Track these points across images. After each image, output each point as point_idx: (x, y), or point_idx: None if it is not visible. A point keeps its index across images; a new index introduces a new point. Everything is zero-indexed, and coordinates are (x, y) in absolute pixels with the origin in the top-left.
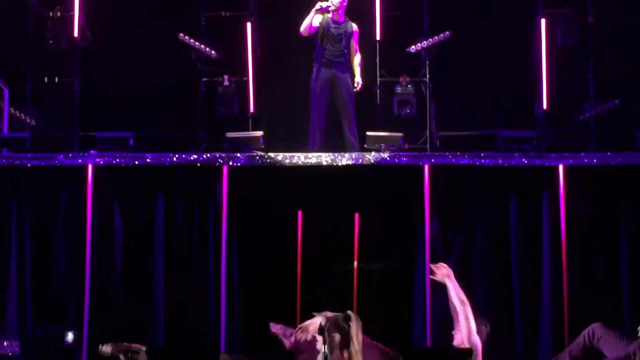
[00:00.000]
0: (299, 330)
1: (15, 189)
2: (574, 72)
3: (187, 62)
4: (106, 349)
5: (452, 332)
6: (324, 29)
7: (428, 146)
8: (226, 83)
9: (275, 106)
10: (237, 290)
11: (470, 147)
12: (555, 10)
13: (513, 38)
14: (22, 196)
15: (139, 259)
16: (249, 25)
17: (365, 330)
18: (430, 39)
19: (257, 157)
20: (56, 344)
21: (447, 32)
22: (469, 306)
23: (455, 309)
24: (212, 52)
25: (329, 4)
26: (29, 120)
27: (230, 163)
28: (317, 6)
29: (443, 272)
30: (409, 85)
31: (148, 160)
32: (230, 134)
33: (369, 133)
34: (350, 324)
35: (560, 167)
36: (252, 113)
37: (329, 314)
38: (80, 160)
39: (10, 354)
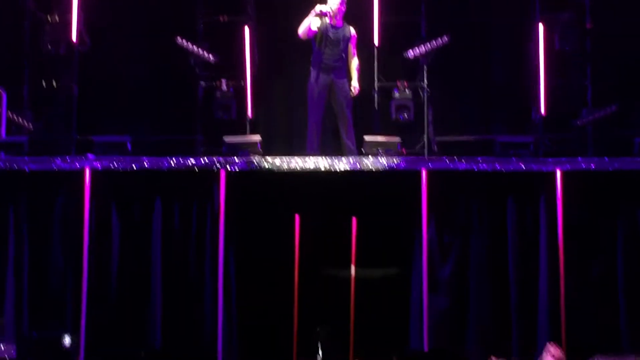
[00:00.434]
0: None
1: (12, 193)
2: (572, 77)
3: (185, 67)
4: None
5: None
6: (322, 33)
7: (426, 151)
8: (224, 87)
9: (273, 111)
10: (234, 294)
11: (468, 152)
12: (553, 15)
13: (510, 43)
14: (20, 200)
15: (136, 262)
16: (247, 29)
17: (359, 336)
18: (428, 44)
19: (255, 162)
20: (53, 347)
21: (445, 37)
22: None
23: None
24: (210, 56)
25: (327, 8)
26: (26, 124)
27: (228, 167)
28: (317, 9)
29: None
30: (407, 90)
31: (145, 164)
32: (228, 139)
33: (366, 138)
34: None
35: (558, 172)
36: (249, 117)
37: None
38: (77, 164)
39: (7, 357)
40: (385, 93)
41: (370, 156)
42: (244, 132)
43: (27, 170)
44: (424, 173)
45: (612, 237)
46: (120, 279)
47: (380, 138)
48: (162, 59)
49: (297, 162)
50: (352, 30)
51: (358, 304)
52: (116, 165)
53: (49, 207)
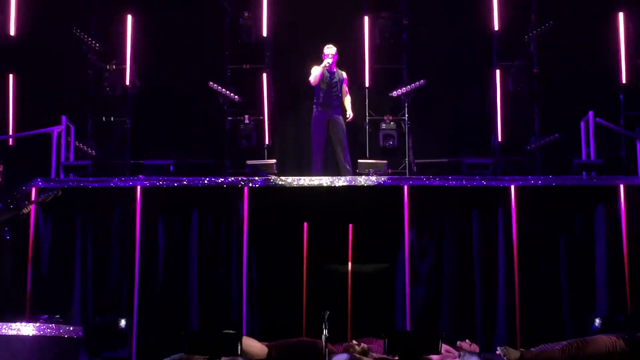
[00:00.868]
0: None
1: (79, 206)
2: (523, 112)
3: (216, 105)
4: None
5: None
6: (322, 79)
7: (407, 171)
8: (246, 121)
9: (285, 140)
10: (255, 285)
11: (440, 172)
12: (507, 62)
13: (474, 85)
14: (84, 211)
15: (177, 261)
16: (264, 76)
17: (356, 319)
18: (408, 86)
19: (271, 180)
20: (111, 329)
21: (422, 81)
22: None
23: None
24: (236, 97)
25: (329, 60)
26: (90, 151)
27: (250, 185)
28: (325, 64)
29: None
30: (392, 123)
31: (184, 182)
32: (250, 162)
33: (360, 160)
34: None
35: (512, 188)
36: (267, 145)
37: None
38: (130, 183)
39: (75, 337)
40: (375, 125)
41: (363, 175)
42: (262, 157)
43: (90, 187)
44: (405, 188)
45: (556, 240)
46: (164, 274)
47: (371, 161)
48: (198, 99)
49: (305, 180)
50: (344, 74)
51: (354, 293)
52: (161, 183)
53: (108, 217)
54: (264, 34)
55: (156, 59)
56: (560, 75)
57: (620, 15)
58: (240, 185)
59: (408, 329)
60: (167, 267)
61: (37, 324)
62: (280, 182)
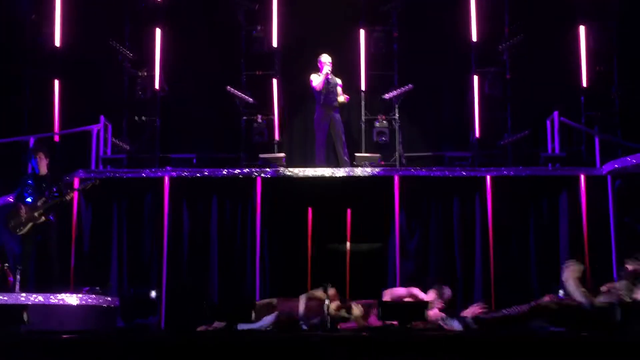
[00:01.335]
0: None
1: (115, 193)
2: (497, 112)
3: (233, 106)
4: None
5: None
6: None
7: (397, 163)
8: (259, 120)
9: (293, 136)
10: (267, 261)
11: (426, 163)
12: (484, 69)
13: (455, 88)
14: (120, 198)
15: (200, 241)
16: (275, 81)
17: (354, 290)
18: (399, 90)
19: (281, 171)
20: (144, 300)
21: (410, 85)
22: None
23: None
24: (250, 99)
25: (329, 68)
26: (124, 146)
27: (262, 175)
28: (327, 71)
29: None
30: (384, 121)
31: (206, 173)
32: (262, 155)
33: (357, 154)
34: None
35: (488, 177)
36: (277, 141)
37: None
38: (159, 174)
39: (112, 306)
40: (369, 123)
41: (359, 167)
42: (272, 151)
43: (125, 177)
44: (396, 178)
45: (526, 221)
46: (189, 252)
47: (366, 154)
48: (217, 101)
49: (310, 171)
50: (339, 80)
51: (352, 268)
52: (186, 174)
53: (140, 203)
54: (274, 45)
55: (181, 67)
56: (529, 80)
57: (582, 28)
58: (254, 176)
59: None
60: (191, 245)
61: (80, 295)
62: (288, 173)
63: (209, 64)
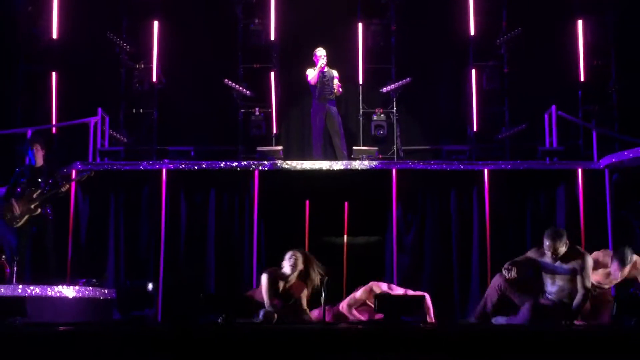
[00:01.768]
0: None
1: (113, 185)
2: (495, 105)
3: (230, 99)
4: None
5: None
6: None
7: (395, 156)
8: (257, 113)
9: (290, 129)
10: (263, 253)
11: (423, 157)
12: (482, 63)
13: (453, 82)
14: (118, 190)
15: (197, 233)
16: (272, 73)
17: (350, 283)
18: (396, 83)
19: (278, 164)
20: (141, 292)
21: (408, 79)
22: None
23: None
24: (248, 92)
25: (323, 61)
26: (122, 138)
27: (260, 168)
28: (321, 64)
29: None
30: (382, 115)
31: (204, 166)
32: (259, 148)
33: (354, 147)
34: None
35: (485, 171)
36: (274, 134)
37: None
38: (157, 166)
39: (109, 298)
40: (367, 117)
41: (357, 160)
42: (270, 144)
43: (122, 170)
44: (393, 171)
45: (522, 214)
46: (186, 244)
47: (364, 147)
48: (215, 93)
49: (307, 164)
50: (335, 72)
51: (349, 261)
52: (183, 167)
53: (137, 196)
54: (272, 37)
55: (179, 59)
56: (527, 74)
57: (580, 22)
58: (251, 168)
59: None
60: (188, 238)
61: (77, 287)
62: (285, 166)
63: (207, 56)
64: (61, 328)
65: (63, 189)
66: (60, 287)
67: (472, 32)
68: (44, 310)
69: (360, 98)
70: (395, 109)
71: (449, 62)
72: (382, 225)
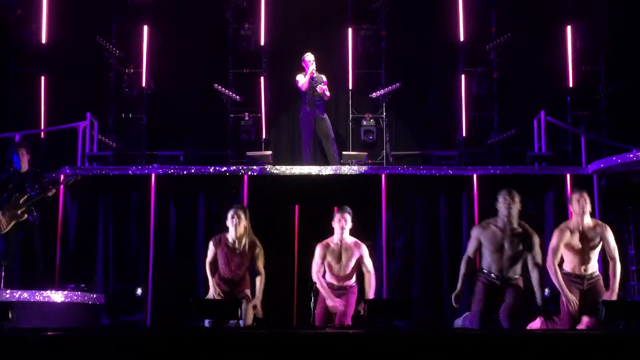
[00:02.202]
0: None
1: (101, 190)
2: (484, 110)
3: (220, 104)
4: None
5: None
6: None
7: (384, 161)
8: (246, 118)
9: (280, 134)
10: None
11: (413, 162)
12: (471, 68)
13: (442, 88)
14: (106, 195)
15: (187, 238)
16: (262, 79)
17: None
18: (386, 89)
19: (268, 169)
20: (130, 296)
21: (398, 84)
22: None
23: None
24: (237, 97)
25: (313, 67)
26: (111, 143)
27: (249, 173)
28: (312, 70)
29: None
30: (371, 120)
31: (193, 170)
32: (249, 153)
33: (344, 152)
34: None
35: (474, 176)
36: (264, 139)
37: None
38: (146, 171)
39: (98, 303)
40: (357, 122)
41: (346, 165)
42: (260, 149)
43: (111, 174)
44: (383, 176)
45: None
46: (175, 249)
47: (353, 152)
48: (204, 98)
49: (296, 169)
50: (324, 77)
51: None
52: (173, 171)
53: (126, 200)
54: (262, 43)
55: (168, 64)
56: (516, 79)
57: (568, 28)
58: (240, 173)
59: (385, 296)
60: (177, 242)
61: (65, 292)
62: (275, 171)
63: (196, 61)
64: (49, 333)
65: (50, 194)
66: (48, 292)
67: (461, 38)
68: (32, 315)
69: (350, 103)
70: (384, 114)
71: (438, 68)
72: (371, 230)
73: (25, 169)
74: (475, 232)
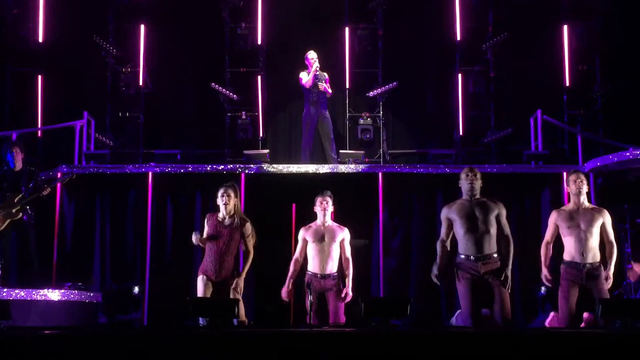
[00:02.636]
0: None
1: (98, 189)
2: (481, 109)
3: (217, 103)
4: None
5: None
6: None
7: (381, 160)
8: (243, 117)
9: (277, 133)
10: None
11: (410, 161)
12: (468, 67)
13: (439, 86)
14: (103, 193)
15: (184, 237)
16: (259, 77)
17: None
18: (383, 87)
19: (264, 167)
20: (127, 295)
21: (395, 83)
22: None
23: None
24: (234, 96)
25: (317, 65)
26: (108, 142)
27: (247, 171)
28: (315, 68)
29: None
30: (368, 119)
31: (190, 169)
32: (246, 152)
33: (341, 151)
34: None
35: None
36: (261, 137)
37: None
38: (143, 169)
39: (95, 301)
40: (354, 121)
41: (343, 164)
42: (257, 147)
43: (108, 173)
44: (380, 175)
45: (508, 217)
46: (172, 247)
47: (350, 151)
48: (201, 97)
49: (293, 168)
50: (326, 75)
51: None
52: (170, 170)
53: (123, 199)
54: (259, 42)
55: (165, 63)
56: (513, 78)
57: (565, 27)
58: (238, 172)
59: (382, 295)
60: (174, 241)
61: (62, 291)
62: (271, 169)
63: (193, 60)
64: (46, 332)
65: (45, 192)
66: (45, 290)
67: (458, 37)
68: (29, 313)
69: (347, 102)
70: (381, 112)
71: (435, 67)
72: (368, 229)
73: (19, 167)
74: (444, 213)
